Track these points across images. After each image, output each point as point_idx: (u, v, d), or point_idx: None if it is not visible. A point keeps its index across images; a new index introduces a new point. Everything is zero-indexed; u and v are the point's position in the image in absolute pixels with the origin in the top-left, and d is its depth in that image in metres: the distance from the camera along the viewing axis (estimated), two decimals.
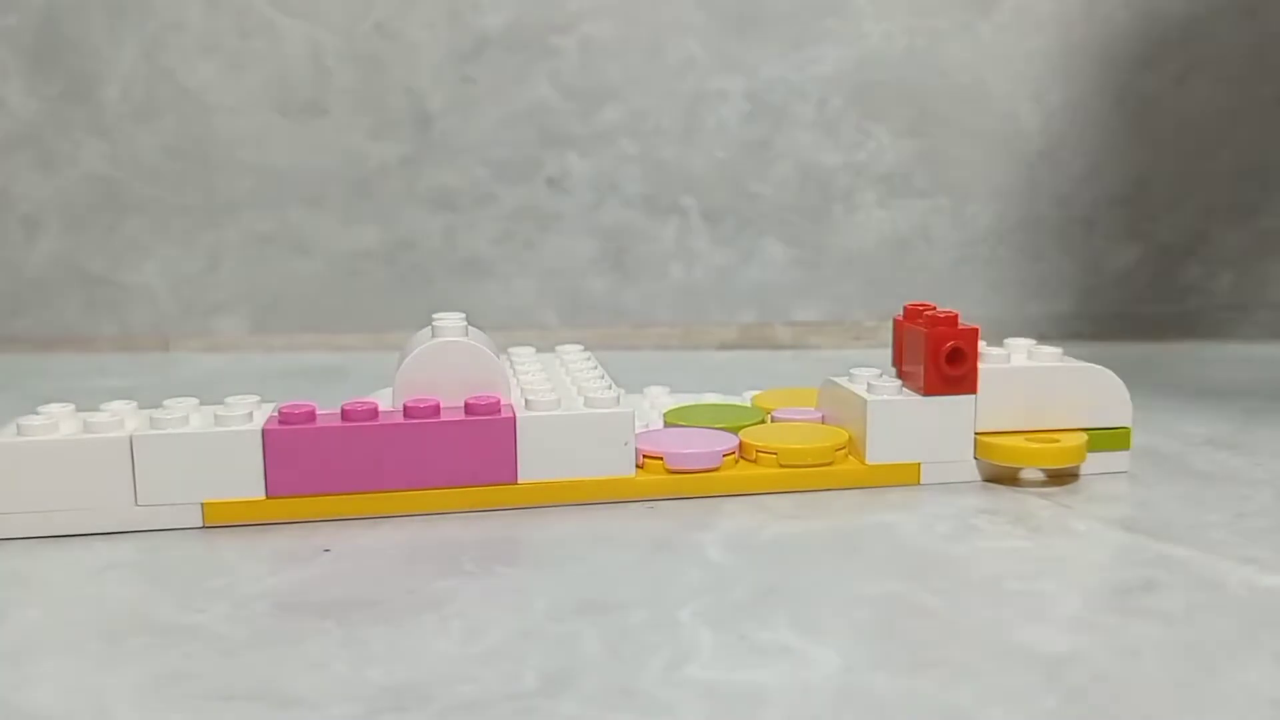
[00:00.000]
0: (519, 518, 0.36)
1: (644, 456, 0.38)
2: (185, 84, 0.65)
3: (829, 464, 0.38)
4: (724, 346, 0.67)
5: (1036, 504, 0.37)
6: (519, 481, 0.36)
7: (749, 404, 0.45)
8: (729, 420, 0.42)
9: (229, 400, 0.36)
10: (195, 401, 0.36)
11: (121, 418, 0.35)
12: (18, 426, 0.34)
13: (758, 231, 0.67)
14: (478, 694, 0.24)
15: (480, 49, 0.65)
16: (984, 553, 0.32)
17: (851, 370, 0.41)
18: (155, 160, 0.66)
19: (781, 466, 0.38)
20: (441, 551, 0.33)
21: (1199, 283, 0.68)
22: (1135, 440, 0.44)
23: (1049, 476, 0.39)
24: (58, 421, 0.34)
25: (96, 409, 0.36)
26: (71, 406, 0.36)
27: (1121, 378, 0.40)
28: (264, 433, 0.34)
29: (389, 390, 0.38)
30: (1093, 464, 0.39)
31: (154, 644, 0.27)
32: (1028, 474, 0.39)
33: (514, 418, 0.36)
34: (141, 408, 0.36)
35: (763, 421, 0.42)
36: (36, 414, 0.35)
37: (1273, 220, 0.67)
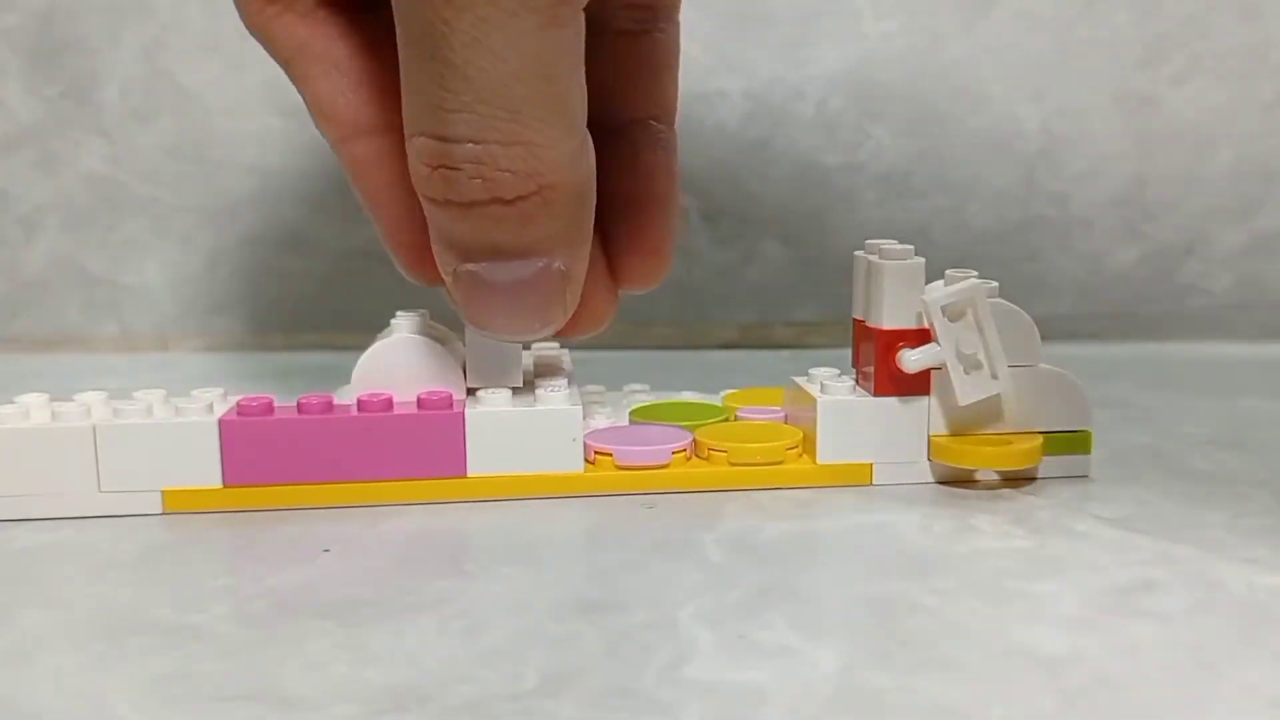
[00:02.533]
0: (519, 519, 0.36)
1: (594, 453, 0.38)
2: (185, 84, 0.65)
3: (779, 463, 0.39)
4: (724, 346, 0.67)
5: (1036, 504, 0.37)
6: (468, 475, 0.37)
7: (720, 403, 0.45)
8: (693, 418, 0.42)
9: (193, 393, 0.37)
10: (162, 393, 0.37)
11: (88, 406, 0.36)
12: None
13: (757, 231, 0.67)
14: (478, 694, 0.24)
15: None
16: (984, 553, 0.32)
17: (810, 370, 0.41)
18: (155, 160, 0.66)
19: (732, 465, 0.38)
20: (441, 551, 0.33)
21: (1199, 283, 0.68)
22: (1136, 440, 0.44)
23: (1003, 479, 0.39)
24: (28, 409, 0.36)
25: (69, 399, 0.37)
26: (45, 396, 0.37)
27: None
28: (220, 423, 0.36)
29: (348, 386, 0.39)
30: (1052, 467, 0.39)
31: (154, 644, 0.27)
32: (983, 475, 0.39)
33: (462, 412, 0.37)
34: (111, 398, 0.37)
35: (727, 420, 0.42)
36: (11, 403, 0.36)
37: (1273, 220, 0.67)
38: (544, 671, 0.25)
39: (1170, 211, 0.67)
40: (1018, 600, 0.29)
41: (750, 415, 0.43)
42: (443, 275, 0.35)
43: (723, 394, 0.46)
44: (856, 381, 0.40)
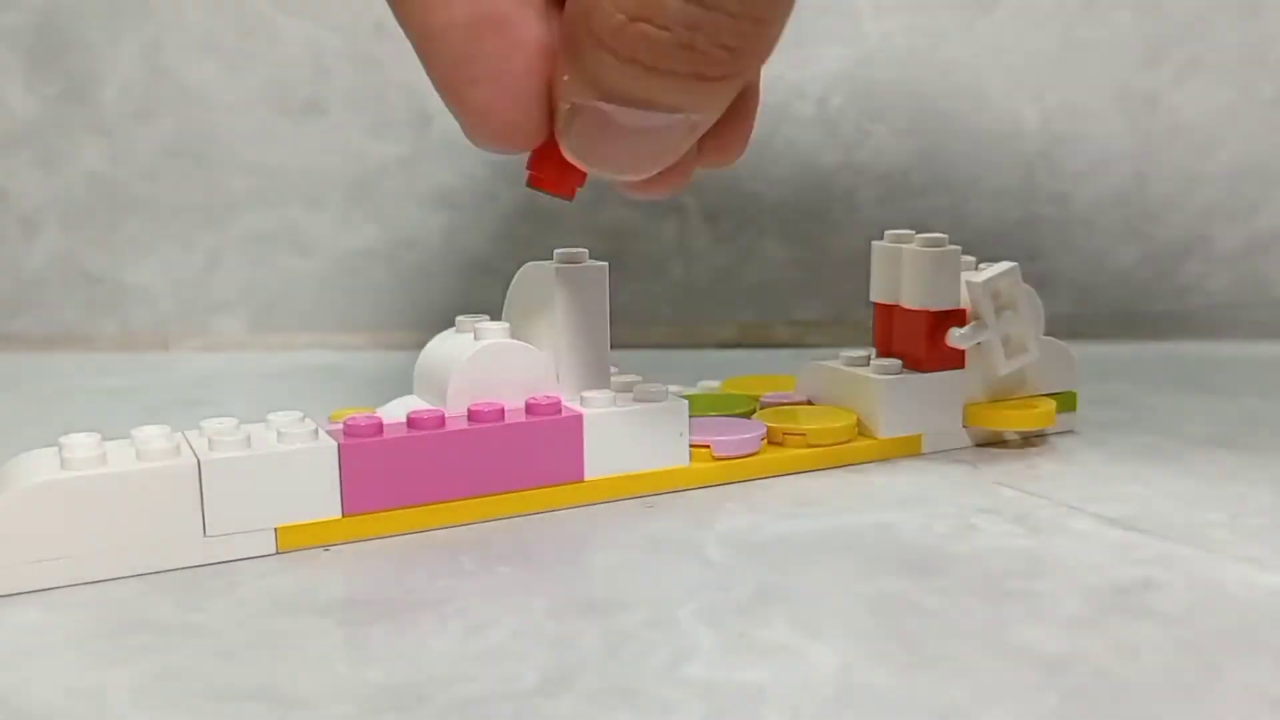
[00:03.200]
0: (517, 518, 0.36)
1: (690, 446, 0.39)
2: (185, 84, 0.65)
3: (849, 441, 0.41)
4: (723, 346, 0.67)
5: (1036, 504, 0.37)
6: (585, 479, 0.37)
7: (718, 391, 0.47)
8: (723, 408, 0.43)
9: (271, 417, 0.34)
10: (235, 420, 0.34)
11: (176, 443, 0.32)
12: (62, 460, 0.31)
13: (757, 231, 0.67)
14: (478, 694, 0.24)
15: None
16: (984, 552, 0.32)
17: (840, 353, 0.44)
18: (155, 160, 0.66)
19: (810, 446, 0.40)
20: (441, 551, 0.33)
21: (1199, 282, 0.68)
22: (1137, 440, 0.44)
23: (1022, 439, 0.43)
24: (105, 452, 0.31)
25: (123, 434, 0.33)
26: (96, 436, 0.32)
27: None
28: (341, 448, 0.33)
29: (400, 401, 0.38)
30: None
31: (154, 643, 0.27)
32: (1008, 435, 0.43)
33: (580, 416, 0.36)
34: (174, 431, 0.33)
35: (752, 408, 0.44)
36: (58, 445, 0.32)
37: (1272, 220, 0.67)
38: (544, 671, 0.25)
39: (1170, 211, 0.67)
40: (1018, 600, 0.29)
41: (775, 400, 0.44)
42: (556, 101, 0.30)
43: (702, 384, 0.48)
44: (903, 362, 0.43)
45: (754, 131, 0.37)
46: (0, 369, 0.61)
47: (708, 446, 0.39)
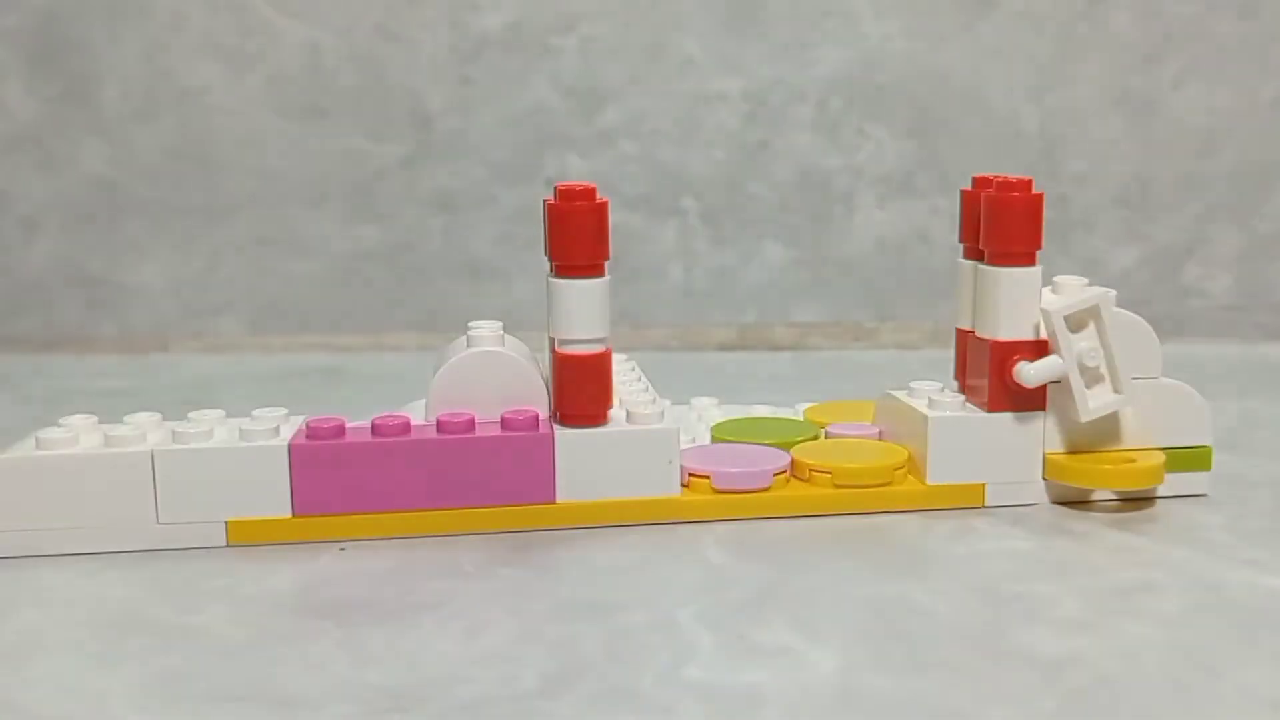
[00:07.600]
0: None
1: (690, 475, 0.36)
2: (185, 84, 0.65)
3: (887, 484, 0.36)
4: (723, 348, 0.67)
5: (1036, 505, 0.37)
6: (557, 501, 0.35)
7: (802, 417, 0.42)
8: (780, 436, 0.39)
9: (255, 413, 0.34)
10: (221, 413, 0.34)
11: (144, 431, 0.33)
12: (36, 440, 0.33)
13: (757, 233, 0.67)
14: (478, 694, 0.24)
15: (480, 49, 0.65)
16: (983, 554, 0.32)
17: (911, 384, 0.38)
18: (155, 160, 0.66)
19: (836, 487, 0.36)
20: (441, 552, 0.33)
21: (1199, 283, 0.68)
22: None
23: (1122, 500, 0.37)
24: (78, 434, 0.33)
25: (119, 421, 0.34)
26: (94, 418, 0.34)
27: None
28: (290, 448, 0.33)
29: (422, 402, 0.37)
30: (1170, 485, 0.36)
31: (154, 644, 0.27)
32: (1100, 496, 0.37)
33: (551, 434, 0.34)
34: (166, 419, 0.35)
35: (816, 437, 0.39)
36: (57, 425, 0.33)
37: (1273, 221, 0.67)
38: (544, 672, 0.25)
39: (1170, 212, 0.67)
40: (1017, 601, 0.29)
41: (841, 432, 0.40)
42: None
43: (801, 407, 0.43)
44: (966, 398, 0.37)
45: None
46: (0, 369, 0.61)
47: (708, 477, 0.36)
